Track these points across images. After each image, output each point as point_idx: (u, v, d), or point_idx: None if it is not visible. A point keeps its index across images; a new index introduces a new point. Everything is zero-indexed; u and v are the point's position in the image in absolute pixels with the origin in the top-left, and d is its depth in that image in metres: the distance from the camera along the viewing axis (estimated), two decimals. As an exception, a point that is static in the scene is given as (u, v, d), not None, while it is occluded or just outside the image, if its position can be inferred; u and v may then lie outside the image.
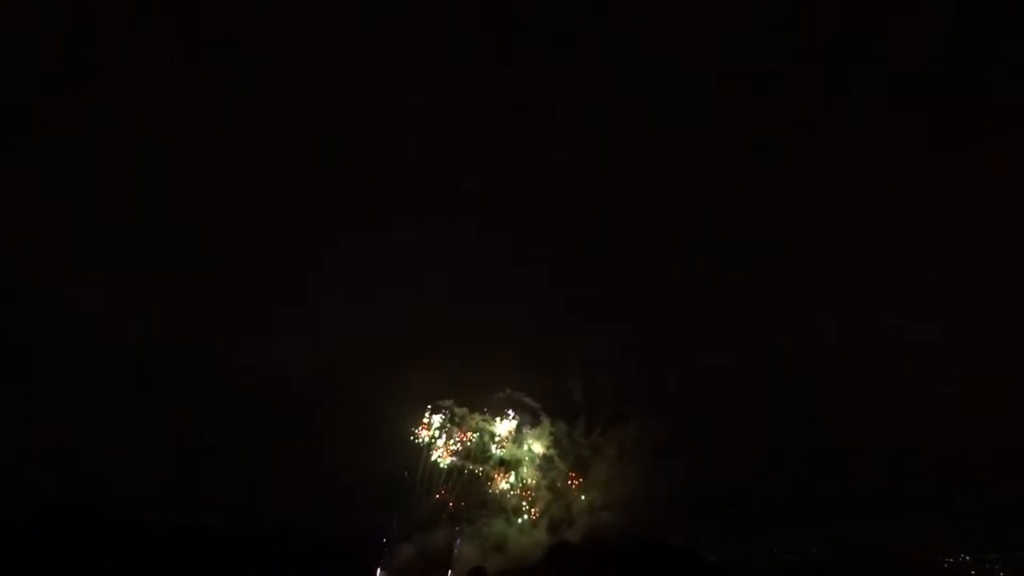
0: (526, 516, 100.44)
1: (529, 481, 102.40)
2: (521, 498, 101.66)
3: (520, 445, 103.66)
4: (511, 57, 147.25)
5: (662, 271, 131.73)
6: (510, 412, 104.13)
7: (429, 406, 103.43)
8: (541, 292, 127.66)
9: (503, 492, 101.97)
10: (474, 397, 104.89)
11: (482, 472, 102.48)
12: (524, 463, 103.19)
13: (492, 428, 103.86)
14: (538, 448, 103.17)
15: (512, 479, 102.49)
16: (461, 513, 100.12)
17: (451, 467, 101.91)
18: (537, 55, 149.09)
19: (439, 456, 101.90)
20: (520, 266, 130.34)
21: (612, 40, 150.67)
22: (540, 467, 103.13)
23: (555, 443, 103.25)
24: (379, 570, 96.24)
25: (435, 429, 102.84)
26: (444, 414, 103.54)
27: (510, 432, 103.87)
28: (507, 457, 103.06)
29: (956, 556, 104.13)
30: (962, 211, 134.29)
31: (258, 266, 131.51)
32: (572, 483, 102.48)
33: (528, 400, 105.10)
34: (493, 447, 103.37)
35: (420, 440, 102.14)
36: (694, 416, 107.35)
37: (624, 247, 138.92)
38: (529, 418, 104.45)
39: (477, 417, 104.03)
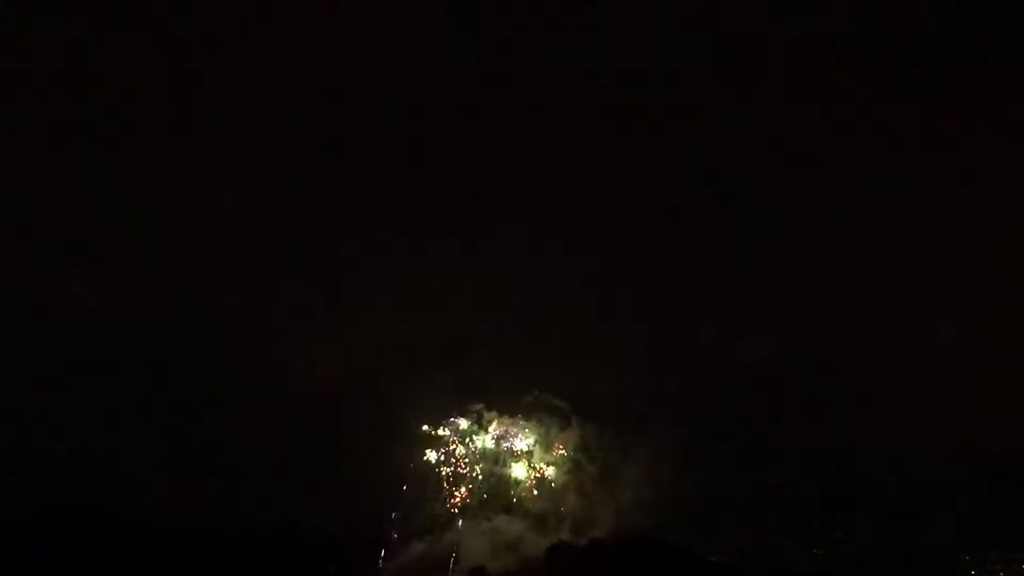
0: (550, 518, 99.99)
1: (556, 484, 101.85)
2: (547, 501, 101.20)
3: (548, 448, 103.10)
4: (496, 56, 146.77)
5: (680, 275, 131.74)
6: (539, 415, 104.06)
7: (456, 412, 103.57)
8: (571, 294, 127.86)
9: (528, 494, 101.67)
10: (503, 399, 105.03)
11: (510, 475, 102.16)
12: (553, 466, 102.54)
13: (520, 431, 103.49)
14: (566, 451, 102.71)
15: (539, 482, 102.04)
16: (480, 514, 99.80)
17: (472, 469, 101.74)
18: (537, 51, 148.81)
19: (468, 456, 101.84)
20: (550, 268, 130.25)
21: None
22: (569, 470, 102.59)
23: (583, 446, 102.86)
24: (380, 570, 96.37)
25: (461, 431, 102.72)
26: (472, 417, 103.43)
27: (538, 435, 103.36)
28: (537, 462, 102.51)
29: (956, 556, 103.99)
30: (964, 210, 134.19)
31: (263, 268, 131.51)
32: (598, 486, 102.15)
33: (557, 402, 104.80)
34: (519, 448, 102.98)
35: (443, 441, 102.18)
36: (694, 418, 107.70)
37: (650, 249, 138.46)
38: (558, 420, 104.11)
39: (506, 420, 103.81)
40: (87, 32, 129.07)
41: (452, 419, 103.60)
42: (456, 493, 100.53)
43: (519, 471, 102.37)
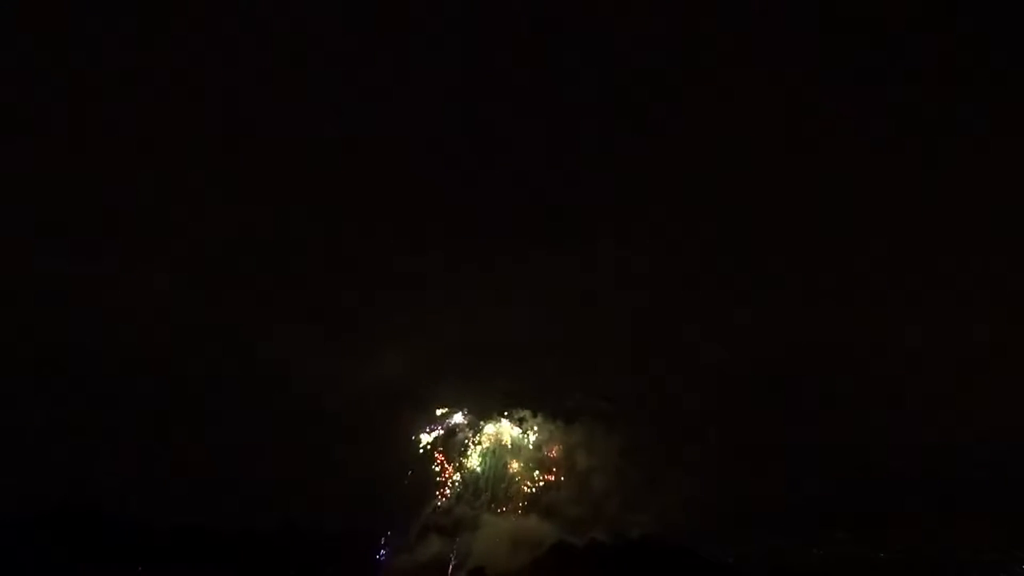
0: (587, 521, 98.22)
1: (596, 488, 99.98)
2: (585, 506, 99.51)
3: (591, 452, 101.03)
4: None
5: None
6: (583, 419, 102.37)
7: (498, 414, 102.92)
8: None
9: (562, 496, 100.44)
10: (545, 403, 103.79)
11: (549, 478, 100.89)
12: (595, 471, 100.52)
13: (565, 435, 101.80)
14: (610, 455, 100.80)
15: (580, 486, 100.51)
16: (513, 515, 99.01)
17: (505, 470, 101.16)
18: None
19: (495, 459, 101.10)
20: (593, 274, 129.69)
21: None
22: (614, 474, 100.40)
23: (628, 449, 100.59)
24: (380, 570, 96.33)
25: (500, 434, 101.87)
26: (515, 421, 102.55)
27: (582, 439, 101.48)
28: (581, 466, 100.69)
29: (955, 556, 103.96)
30: (965, 210, 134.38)
31: (266, 268, 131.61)
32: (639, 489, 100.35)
33: (603, 404, 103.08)
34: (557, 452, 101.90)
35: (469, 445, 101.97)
36: (693, 417, 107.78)
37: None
38: (603, 424, 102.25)
39: (552, 425, 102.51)
40: (87, 33, 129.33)
41: (490, 421, 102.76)
42: (481, 495, 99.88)
43: (558, 474, 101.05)
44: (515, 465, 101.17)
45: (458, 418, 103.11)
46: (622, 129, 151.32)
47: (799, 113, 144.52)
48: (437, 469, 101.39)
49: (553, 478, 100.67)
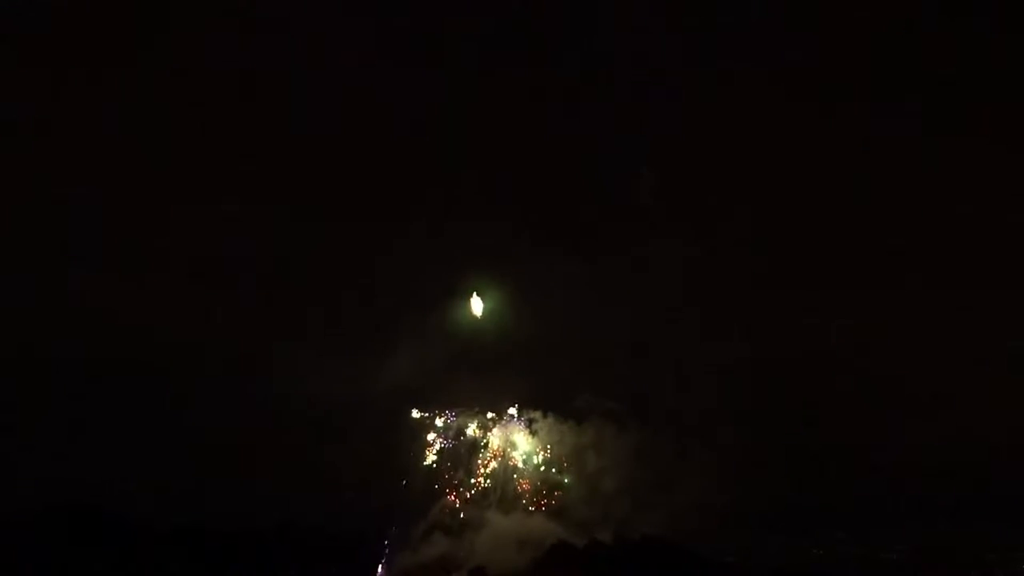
0: (595, 522, 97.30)
1: (607, 490, 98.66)
2: (595, 507, 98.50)
3: (601, 453, 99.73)
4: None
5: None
6: (593, 419, 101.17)
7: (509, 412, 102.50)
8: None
9: (573, 497, 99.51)
10: (555, 403, 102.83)
11: (558, 479, 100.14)
12: (605, 472, 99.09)
13: (575, 436, 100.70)
14: (620, 456, 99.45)
15: (589, 488, 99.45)
16: (518, 514, 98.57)
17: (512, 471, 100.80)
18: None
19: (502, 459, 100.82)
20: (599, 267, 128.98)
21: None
22: (624, 475, 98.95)
23: (638, 451, 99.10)
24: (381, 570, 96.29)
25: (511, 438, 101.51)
26: (527, 423, 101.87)
27: (591, 440, 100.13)
28: (590, 467, 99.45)
29: (955, 556, 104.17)
30: (965, 211, 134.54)
31: (265, 268, 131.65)
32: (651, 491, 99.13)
33: (612, 404, 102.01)
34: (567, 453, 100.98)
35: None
36: (700, 417, 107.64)
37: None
38: (613, 424, 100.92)
39: (563, 425, 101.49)
40: (85, 32, 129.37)
41: (500, 422, 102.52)
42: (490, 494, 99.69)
43: (567, 476, 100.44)
44: (524, 466, 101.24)
45: (468, 419, 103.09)
46: (622, 129, 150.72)
47: (799, 113, 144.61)
48: (445, 469, 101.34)
49: (563, 479, 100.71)
